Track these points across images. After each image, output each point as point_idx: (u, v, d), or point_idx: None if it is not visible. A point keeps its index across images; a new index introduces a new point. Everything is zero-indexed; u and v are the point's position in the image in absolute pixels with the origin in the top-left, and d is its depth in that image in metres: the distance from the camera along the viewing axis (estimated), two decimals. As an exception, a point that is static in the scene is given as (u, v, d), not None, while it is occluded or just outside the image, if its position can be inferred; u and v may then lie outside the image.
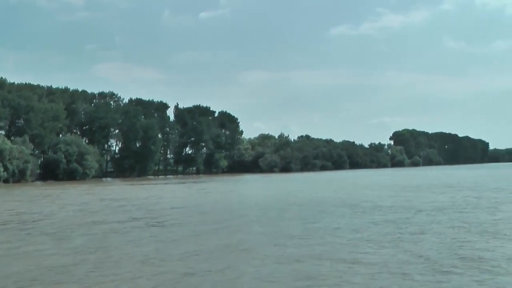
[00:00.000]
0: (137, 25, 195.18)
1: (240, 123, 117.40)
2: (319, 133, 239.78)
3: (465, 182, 47.93)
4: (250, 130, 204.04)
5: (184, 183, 62.19)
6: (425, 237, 14.63)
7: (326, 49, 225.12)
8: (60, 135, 76.85)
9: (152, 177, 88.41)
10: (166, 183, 61.83)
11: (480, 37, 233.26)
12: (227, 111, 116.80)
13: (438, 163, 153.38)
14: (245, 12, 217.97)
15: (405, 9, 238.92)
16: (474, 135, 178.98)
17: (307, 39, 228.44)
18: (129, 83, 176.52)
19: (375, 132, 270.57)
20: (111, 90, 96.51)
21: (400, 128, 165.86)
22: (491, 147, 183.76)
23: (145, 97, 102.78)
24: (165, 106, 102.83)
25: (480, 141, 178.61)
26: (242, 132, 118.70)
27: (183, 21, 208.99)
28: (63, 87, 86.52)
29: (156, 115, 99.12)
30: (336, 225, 17.59)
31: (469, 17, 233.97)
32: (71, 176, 70.19)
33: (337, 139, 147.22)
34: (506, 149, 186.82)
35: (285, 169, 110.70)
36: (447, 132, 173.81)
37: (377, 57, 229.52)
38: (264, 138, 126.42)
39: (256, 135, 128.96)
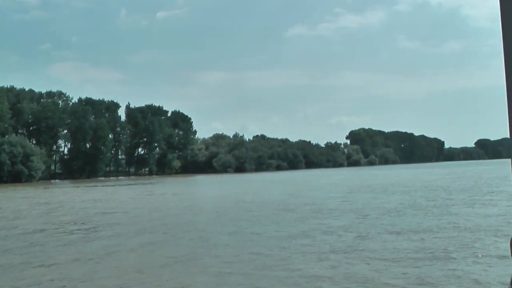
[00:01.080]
0: (93, 25, 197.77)
1: (193, 123, 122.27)
2: (277, 133, 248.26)
3: (419, 182, 49.20)
4: (208, 130, 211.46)
5: (133, 184, 64.11)
6: (353, 255, 12.72)
7: (283, 49, 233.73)
8: (6, 136, 79.30)
9: (103, 178, 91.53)
10: (114, 185, 63.47)
11: (435, 38, 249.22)
12: (180, 111, 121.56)
13: (394, 162, 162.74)
14: (202, 12, 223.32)
15: (361, 9, 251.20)
16: (429, 134, 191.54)
17: (264, 39, 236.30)
18: (84, 83, 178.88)
19: (332, 132, 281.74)
20: (59, 90, 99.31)
21: (357, 128, 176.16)
22: (446, 146, 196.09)
23: (101, 97, 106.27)
24: (116, 106, 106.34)
25: (436, 140, 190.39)
26: (195, 132, 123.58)
27: (139, 20, 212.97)
28: (9, 86, 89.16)
29: (107, 115, 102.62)
30: (264, 233, 17.17)
31: (424, 18, 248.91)
32: (16, 178, 72.05)
33: (295, 139, 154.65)
34: (461, 148, 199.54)
35: (240, 169, 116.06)
36: (403, 131, 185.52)
37: (334, 57, 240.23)
38: (218, 138, 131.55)
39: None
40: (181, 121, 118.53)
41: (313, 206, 26.48)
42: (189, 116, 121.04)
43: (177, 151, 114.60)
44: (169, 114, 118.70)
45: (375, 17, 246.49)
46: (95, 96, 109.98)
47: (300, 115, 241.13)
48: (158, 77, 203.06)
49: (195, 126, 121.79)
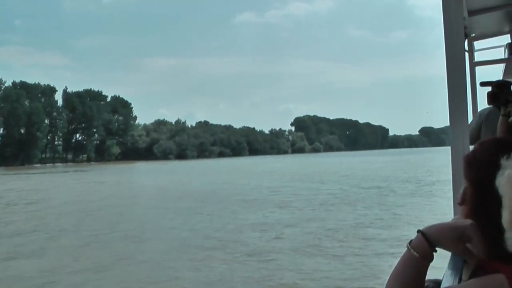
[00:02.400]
0: (38, 8, 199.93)
1: (133, 109, 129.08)
2: (224, 120, 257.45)
3: (359, 170, 51.79)
4: (155, 117, 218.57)
5: (63, 172, 66.11)
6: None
7: (231, 36, 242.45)
8: None
9: (38, 165, 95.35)
10: (44, 173, 65.48)
11: (382, 27, 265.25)
12: (120, 96, 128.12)
13: (339, 149, 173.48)
14: None
15: None
16: (374, 122, 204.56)
17: (213, 26, 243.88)
18: (29, 68, 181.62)
19: (279, 120, 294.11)
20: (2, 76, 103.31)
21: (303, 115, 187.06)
22: (391, 133, 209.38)
23: (46, 82, 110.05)
24: (52, 90, 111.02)
25: (381, 127, 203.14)
26: (136, 117, 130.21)
27: (86, 4, 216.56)
28: None
29: (43, 99, 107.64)
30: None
31: (372, 7, 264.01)
32: None
33: (242, 126, 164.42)
34: (405, 135, 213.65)
35: (181, 156, 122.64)
36: (348, 118, 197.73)
37: (282, 44, 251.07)
38: (160, 124, 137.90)
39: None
40: (121, 106, 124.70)
41: (238, 197, 27.86)
42: (129, 102, 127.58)
43: (116, 137, 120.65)
44: (108, 99, 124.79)
45: (324, 5, 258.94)
46: (42, 82, 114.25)
47: (247, 102, 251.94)
48: (105, 63, 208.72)
49: (142, 113, 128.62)
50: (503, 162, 1.17)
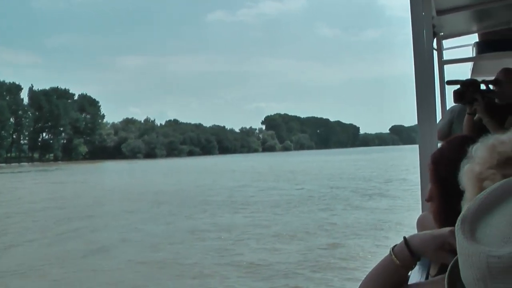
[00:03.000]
0: (7, 6, 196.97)
1: (101, 107, 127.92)
2: (196, 119, 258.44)
3: (326, 170, 51.50)
4: (126, 115, 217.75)
5: (29, 172, 65.45)
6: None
7: (202, 34, 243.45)
8: None
9: (4, 165, 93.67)
10: (7, 172, 64.93)
11: (354, 26, 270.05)
12: (88, 94, 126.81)
13: (310, 148, 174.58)
14: None
15: None
16: (345, 120, 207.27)
17: (184, 24, 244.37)
18: None
19: (252, 118, 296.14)
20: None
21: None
22: (361, 131, 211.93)
23: (17, 81, 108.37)
24: (18, 88, 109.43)
25: (352, 125, 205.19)
26: (103, 116, 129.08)
27: (56, 3, 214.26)
28: None
29: (7, 98, 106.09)
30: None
31: (344, 6, 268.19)
32: None
33: (212, 124, 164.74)
34: (376, 134, 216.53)
35: (150, 155, 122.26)
36: (319, 117, 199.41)
37: (253, 43, 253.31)
38: (128, 123, 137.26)
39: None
40: (88, 105, 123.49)
41: (199, 197, 27.87)
42: (97, 100, 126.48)
43: (84, 136, 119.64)
44: (76, 97, 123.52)
45: (296, 4, 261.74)
46: (12, 80, 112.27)
47: (219, 101, 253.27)
48: (76, 61, 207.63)
49: (113, 112, 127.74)
50: (466, 158, 1.18)
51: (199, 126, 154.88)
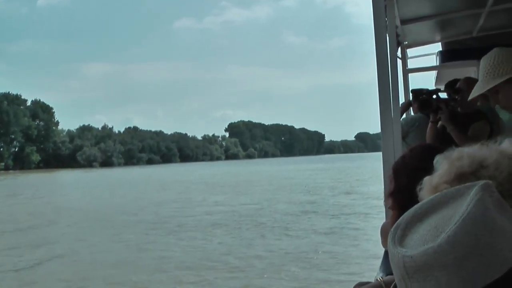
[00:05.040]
0: None
1: (55, 113, 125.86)
2: (162, 126, 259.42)
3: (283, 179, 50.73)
4: (92, 124, 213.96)
5: None
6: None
7: (169, 42, 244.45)
8: None
9: None
10: None
11: (320, 34, 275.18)
12: (41, 100, 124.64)
13: (274, 155, 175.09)
14: (86, 2, 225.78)
15: (248, 3, 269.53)
16: (311, 128, 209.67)
17: (150, 31, 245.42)
18: None
19: (218, 126, 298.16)
20: None
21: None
22: (327, 139, 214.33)
23: None
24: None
25: (317, 133, 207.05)
26: (58, 123, 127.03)
27: (19, 8, 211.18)
28: None
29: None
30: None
31: (310, 14, 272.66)
32: None
33: (174, 132, 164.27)
34: (341, 141, 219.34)
35: (107, 163, 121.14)
36: (284, 124, 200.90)
37: (220, 51, 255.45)
38: (85, 130, 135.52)
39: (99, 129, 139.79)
40: (41, 111, 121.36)
41: (122, 217, 25.10)
42: (50, 106, 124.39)
43: (37, 144, 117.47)
44: (28, 104, 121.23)
45: (262, 12, 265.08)
46: None
47: (185, 109, 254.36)
48: (39, 68, 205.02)
49: (76, 119, 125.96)
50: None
51: (159, 133, 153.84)
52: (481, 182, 0.96)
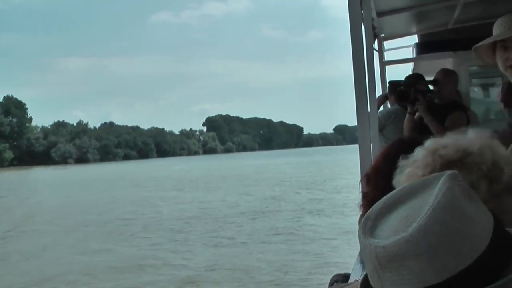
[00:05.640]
0: None
1: (28, 109, 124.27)
2: (140, 121, 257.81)
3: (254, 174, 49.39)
4: (69, 119, 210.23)
5: None
6: None
7: (147, 36, 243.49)
8: None
9: None
10: None
11: (298, 27, 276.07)
12: (14, 96, 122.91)
13: (252, 149, 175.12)
14: None
15: None
16: (289, 121, 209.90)
17: (129, 25, 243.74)
18: None
19: (196, 120, 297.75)
20: None
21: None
22: (305, 132, 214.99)
23: None
24: None
25: (295, 126, 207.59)
26: (31, 119, 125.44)
27: None
28: None
29: None
30: None
31: (287, 7, 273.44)
32: None
33: (150, 126, 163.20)
34: (320, 134, 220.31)
35: (82, 160, 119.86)
36: (261, 117, 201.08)
37: (198, 44, 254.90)
38: (59, 126, 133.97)
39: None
40: (14, 107, 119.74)
41: (92, 216, 23.89)
42: (23, 102, 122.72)
43: (10, 141, 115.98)
44: (0, 100, 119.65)
45: (240, 5, 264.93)
46: None
47: (164, 103, 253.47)
48: (17, 63, 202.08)
49: (53, 115, 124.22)
50: (401, 161, 1.27)
51: (136, 128, 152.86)
52: (448, 172, 0.97)
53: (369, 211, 0.98)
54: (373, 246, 0.90)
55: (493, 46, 2.52)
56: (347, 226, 16.21)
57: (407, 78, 5.18)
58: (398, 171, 1.26)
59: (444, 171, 0.99)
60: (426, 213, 0.88)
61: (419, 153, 1.21)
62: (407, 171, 1.20)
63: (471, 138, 1.19)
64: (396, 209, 0.96)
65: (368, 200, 1.77)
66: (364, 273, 0.99)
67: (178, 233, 18.87)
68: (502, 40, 2.44)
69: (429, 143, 1.21)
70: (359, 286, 1.04)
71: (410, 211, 0.93)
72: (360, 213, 1.80)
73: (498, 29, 2.47)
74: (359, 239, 0.95)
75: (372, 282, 0.95)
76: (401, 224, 0.91)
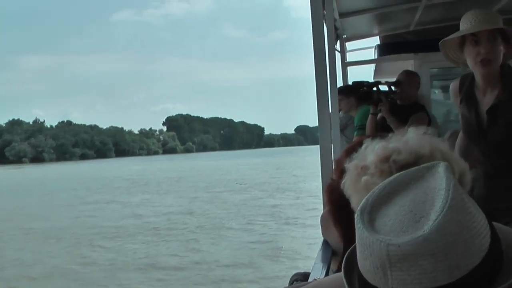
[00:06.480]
0: None
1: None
2: (102, 121, 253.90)
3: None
4: (28, 117, 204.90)
5: None
6: None
7: (108, 34, 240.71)
8: None
9: None
10: None
11: (260, 27, 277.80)
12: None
13: (213, 149, 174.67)
14: None
15: None
16: (250, 121, 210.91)
17: (90, 23, 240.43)
18: None
19: (158, 119, 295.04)
20: None
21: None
22: (266, 132, 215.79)
23: None
24: None
25: (256, 126, 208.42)
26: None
27: None
28: None
29: None
30: None
31: (250, 7, 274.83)
32: None
33: (109, 126, 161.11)
34: (281, 134, 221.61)
35: (37, 159, 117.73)
36: (222, 117, 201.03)
37: (160, 44, 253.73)
38: (14, 124, 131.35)
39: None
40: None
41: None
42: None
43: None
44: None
45: (203, 5, 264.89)
46: None
47: (125, 102, 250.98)
48: None
49: (12, 114, 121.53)
50: (347, 165, 1.27)
51: (94, 127, 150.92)
52: (440, 162, 0.98)
53: (363, 203, 0.96)
54: (384, 243, 0.87)
55: (462, 41, 2.53)
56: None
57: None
58: (345, 175, 1.26)
59: (434, 162, 0.99)
60: (443, 210, 0.87)
61: (369, 159, 1.19)
62: (364, 180, 1.18)
63: (419, 140, 1.19)
64: (392, 201, 0.94)
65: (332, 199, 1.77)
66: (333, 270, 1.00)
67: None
68: (473, 34, 2.45)
69: (379, 149, 1.19)
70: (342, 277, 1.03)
71: (413, 204, 0.91)
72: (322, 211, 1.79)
73: (467, 23, 2.47)
74: (361, 234, 0.91)
75: (373, 279, 0.91)
76: (408, 220, 0.89)
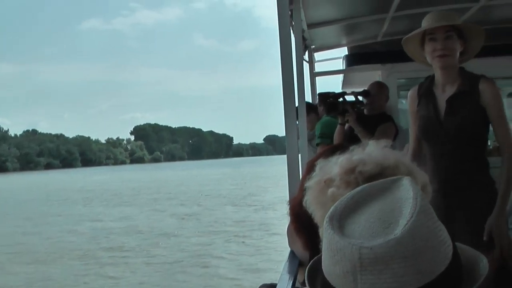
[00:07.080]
0: None
1: None
2: (69, 130, 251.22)
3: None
4: None
5: None
6: None
7: (76, 43, 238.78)
8: None
9: None
10: None
11: (229, 37, 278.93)
12: None
13: (181, 159, 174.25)
14: None
15: (158, 5, 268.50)
16: (219, 130, 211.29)
17: (57, 32, 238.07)
18: None
19: (126, 129, 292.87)
20: None
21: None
22: (235, 141, 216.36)
23: None
24: None
25: (225, 135, 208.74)
26: None
27: None
28: None
29: None
30: None
31: (219, 17, 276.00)
32: None
33: (76, 135, 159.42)
34: (250, 144, 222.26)
35: (1, 168, 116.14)
36: (191, 127, 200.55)
37: (129, 52, 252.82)
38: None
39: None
40: None
41: None
42: None
43: None
44: None
45: (173, 14, 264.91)
46: None
47: (93, 111, 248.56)
48: None
49: None
50: (309, 181, 1.26)
51: (60, 136, 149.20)
52: (403, 176, 1.00)
53: (331, 211, 0.96)
54: (356, 246, 0.87)
55: (422, 40, 2.75)
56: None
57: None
58: (306, 189, 1.25)
59: (398, 176, 1.00)
60: (412, 216, 0.88)
61: (333, 171, 1.19)
62: (330, 191, 1.17)
63: (383, 152, 1.20)
64: (361, 209, 0.95)
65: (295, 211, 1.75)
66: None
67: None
68: (430, 33, 2.68)
69: (344, 161, 1.19)
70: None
71: (381, 213, 0.92)
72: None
73: (425, 23, 2.71)
74: (331, 239, 0.91)
75: (341, 284, 0.91)
76: (377, 226, 0.90)
